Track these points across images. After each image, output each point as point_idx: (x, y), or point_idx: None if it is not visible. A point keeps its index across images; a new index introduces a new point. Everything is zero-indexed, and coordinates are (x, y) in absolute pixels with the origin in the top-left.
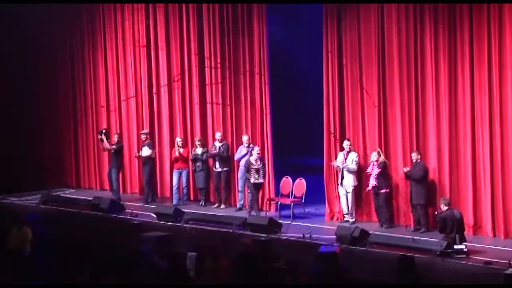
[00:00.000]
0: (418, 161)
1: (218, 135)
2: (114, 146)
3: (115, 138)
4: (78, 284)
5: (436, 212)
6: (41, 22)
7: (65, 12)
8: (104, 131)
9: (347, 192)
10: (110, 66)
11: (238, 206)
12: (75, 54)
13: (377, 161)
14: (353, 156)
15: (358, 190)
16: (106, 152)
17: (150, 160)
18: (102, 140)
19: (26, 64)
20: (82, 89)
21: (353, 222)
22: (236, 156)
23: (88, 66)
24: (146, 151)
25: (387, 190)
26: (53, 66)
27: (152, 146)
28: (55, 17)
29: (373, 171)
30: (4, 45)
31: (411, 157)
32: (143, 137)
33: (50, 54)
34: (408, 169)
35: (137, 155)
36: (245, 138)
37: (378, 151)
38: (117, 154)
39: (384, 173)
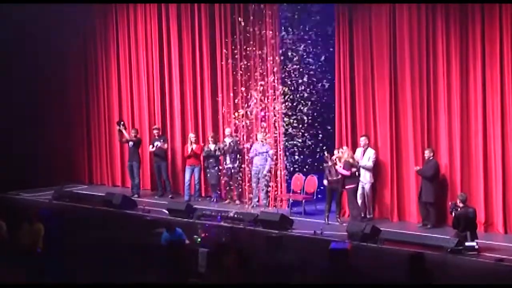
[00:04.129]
0: (431, 158)
1: (227, 131)
2: (133, 137)
3: (132, 133)
4: (78, 284)
5: (450, 202)
6: (54, 20)
7: (78, 10)
8: (122, 122)
9: (363, 189)
10: (123, 62)
11: (252, 203)
12: (87, 51)
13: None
14: (370, 153)
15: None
16: (119, 148)
17: (165, 155)
18: (120, 131)
19: (38, 62)
20: (95, 85)
21: (371, 219)
22: (250, 154)
23: (101, 63)
24: (164, 145)
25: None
26: (66, 63)
27: (166, 141)
28: (68, 16)
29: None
30: (17, 44)
31: (423, 154)
32: (155, 132)
33: (62, 52)
34: (419, 168)
35: (161, 146)
36: (260, 136)
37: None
38: (137, 147)
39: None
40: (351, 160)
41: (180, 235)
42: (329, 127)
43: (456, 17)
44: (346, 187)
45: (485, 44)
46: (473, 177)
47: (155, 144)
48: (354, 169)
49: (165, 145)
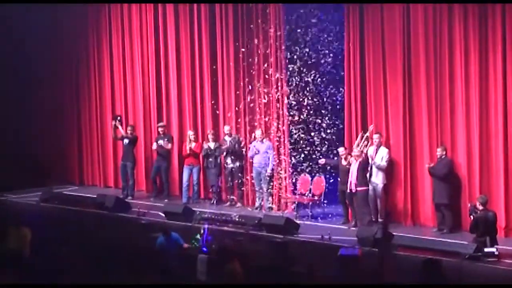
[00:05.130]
0: (443, 157)
1: (227, 129)
2: (129, 134)
3: (129, 130)
4: (78, 284)
5: (469, 204)
6: (45, 15)
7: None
8: (118, 117)
9: (375, 190)
10: (116, 55)
11: (256, 205)
12: (78, 44)
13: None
14: (383, 152)
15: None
16: (112, 146)
17: (168, 155)
18: (116, 127)
19: (26, 58)
20: (86, 80)
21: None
22: (250, 154)
23: (92, 56)
24: (168, 145)
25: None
26: (56, 60)
27: (172, 140)
28: (59, 11)
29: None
30: (4, 39)
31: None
32: (160, 130)
33: (52, 48)
34: (432, 164)
35: (163, 146)
36: (258, 133)
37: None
38: (133, 146)
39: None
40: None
41: (176, 240)
42: (338, 123)
43: (475, 8)
44: (358, 189)
45: (506, 36)
46: (493, 178)
47: (159, 142)
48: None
49: (169, 145)
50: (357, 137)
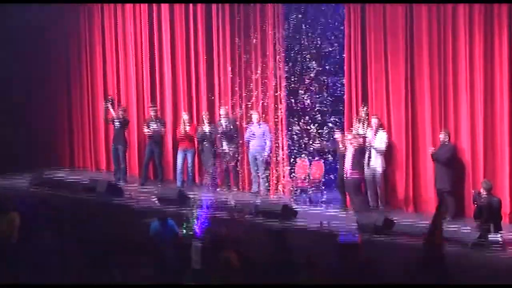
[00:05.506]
0: (446, 142)
1: (223, 111)
2: (121, 117)
3: (120, 112)
4: (78, 284)
5: (473, 191)
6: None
7: None
8: (110, 99)
9: (374, 176)
10: (108, 34)
11: (252, 190)
12: (68, 23)
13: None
14: (382, 135)
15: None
16: (103, 128)
17: (161, 139)
18: (107, 109)
19: (13, 35)
20: (77, 58)
21: (384, 209)
22: (246, 137)
23: (84, 34)
24: (159, 127)
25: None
26: (44, 36)
27: (164, 124)
28: None
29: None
30: None
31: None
32: (152, 113)
33: (40, 25)
34: (434, 149)
35: (157, 130)
36: (255, 116)
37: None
38: (124, 128)
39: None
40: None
41: (172, 227)
42: (339, 105)
43: None
44: (350, 175)
45: None
46: (498, 163)
47: (151, 126)
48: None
49: (162, 129)
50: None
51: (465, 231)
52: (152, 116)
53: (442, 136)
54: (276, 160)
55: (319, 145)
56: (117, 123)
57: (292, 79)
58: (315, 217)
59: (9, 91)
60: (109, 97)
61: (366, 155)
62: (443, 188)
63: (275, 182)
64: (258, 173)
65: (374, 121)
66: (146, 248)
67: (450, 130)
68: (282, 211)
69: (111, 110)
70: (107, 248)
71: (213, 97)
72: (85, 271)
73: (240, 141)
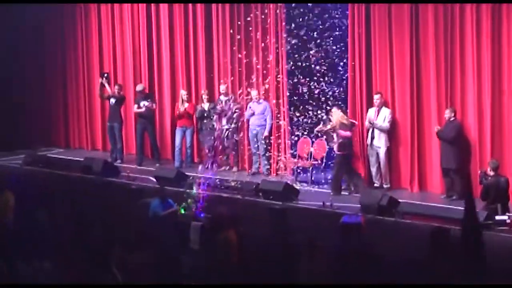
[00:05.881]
0: (451, 119)
1: (222, 88)
2: (116, 94)
3: (116, 89)
4: (78, 284)
5: (480, 171)
6: None
7: None
8: (106, 74)
9: (378, 154)
10: (104, 12)
11: (252, 169)
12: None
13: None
14: (385, 112)
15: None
16: (100, 106)
17: (153, 116)
18: (103, 85)
19: (9, 12)
20: (72, 34)
21: (388, 189)
22: (246, 115)
23: (79, 10)
24: (151, 105)
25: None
26: (41, 19)
27: (154, 100)
28: None
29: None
30: None
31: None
32: (139, 88)
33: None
34: (440, 127)
35: (149, 106)
36: (254, 93)
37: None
38: (120, 105)
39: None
40: (345, 121)
41: (171, 206)
42: (342, 82)
43: None
44: (336, 152)
45: None
46: (505, 142)
47: (142, 103)
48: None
49: (154, 106)
50: (361, 98)
51: None
52: (140, 93)
53: (447, 113)
54: (278, 138)
55: (320, 128)
56: (113, 100)
57: (295, 57)
58: (318, 197)
59: (2, 73)
60: (105, 72)
61: (369, 134)
62: (449, 166)
63: (277, 160)
64: (258, 152)
65: (376, 98)
66: (144, 228)
67: (457, 107)
68: (283, 191)
69: (107, 86)
70: (104, 230)
71: (212, 75)
72: (79, 253)
73: (241, 119)
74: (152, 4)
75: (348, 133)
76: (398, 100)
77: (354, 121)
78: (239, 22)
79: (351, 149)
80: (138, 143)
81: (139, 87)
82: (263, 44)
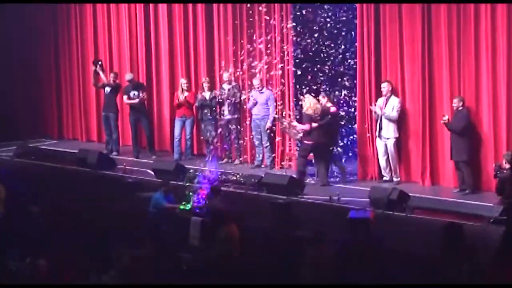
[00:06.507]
0: (460, 108)
1: (225, 76)
2: (112, 82)
3: (111, 77)
4: (78, 284)
5: (494, 164)
6: None
7: None
8: (99, 62)
9: (386, 145)
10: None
11: (255, 163)
12: None
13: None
14: (394, 101)
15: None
16: (95, 95)
17: (144, 107)
18: (97, 73)
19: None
20: (66, 21)
21: (398, 182)
22: (249, 104)
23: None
24: (144, 95)
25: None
26: (34, 7)
27: (145, 89)
28: None
29: None
30: None
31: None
32: (128, 77)
33: None
34: (447, 118)
35: (142, 97)
36: (256, 82)
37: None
38: (115, 95)
39: None
40: (310, 112)
41: (171, 200)
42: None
43: None
44: (305, 141)
45: None
46: None
47: (132, 94)
48: (314, 124)
49: (144, 95)
50: (370, 85)
51: (486, 206)
52: (130, 82)
53: (455, 103)
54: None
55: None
56: (108, 88)
57: (302, 43)
58: (324, 191)
59: None
60: (98, 60)
61: (377, 124)
62: (460, 159)
63: (281, 152)
64: (262, 143)
65: (384, 86)
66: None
67: (470, 96)
68: (288, 184)
69: (101, 74)
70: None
71: (213, 62)
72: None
73: (244, 109)
74: None
75: (305, 126)
76: (408, 89)
77: (333, 106)
78: (242, 6)
79: (321, 137)
80: (133, 135)
81: (128, 76)
82: (267, 30)
